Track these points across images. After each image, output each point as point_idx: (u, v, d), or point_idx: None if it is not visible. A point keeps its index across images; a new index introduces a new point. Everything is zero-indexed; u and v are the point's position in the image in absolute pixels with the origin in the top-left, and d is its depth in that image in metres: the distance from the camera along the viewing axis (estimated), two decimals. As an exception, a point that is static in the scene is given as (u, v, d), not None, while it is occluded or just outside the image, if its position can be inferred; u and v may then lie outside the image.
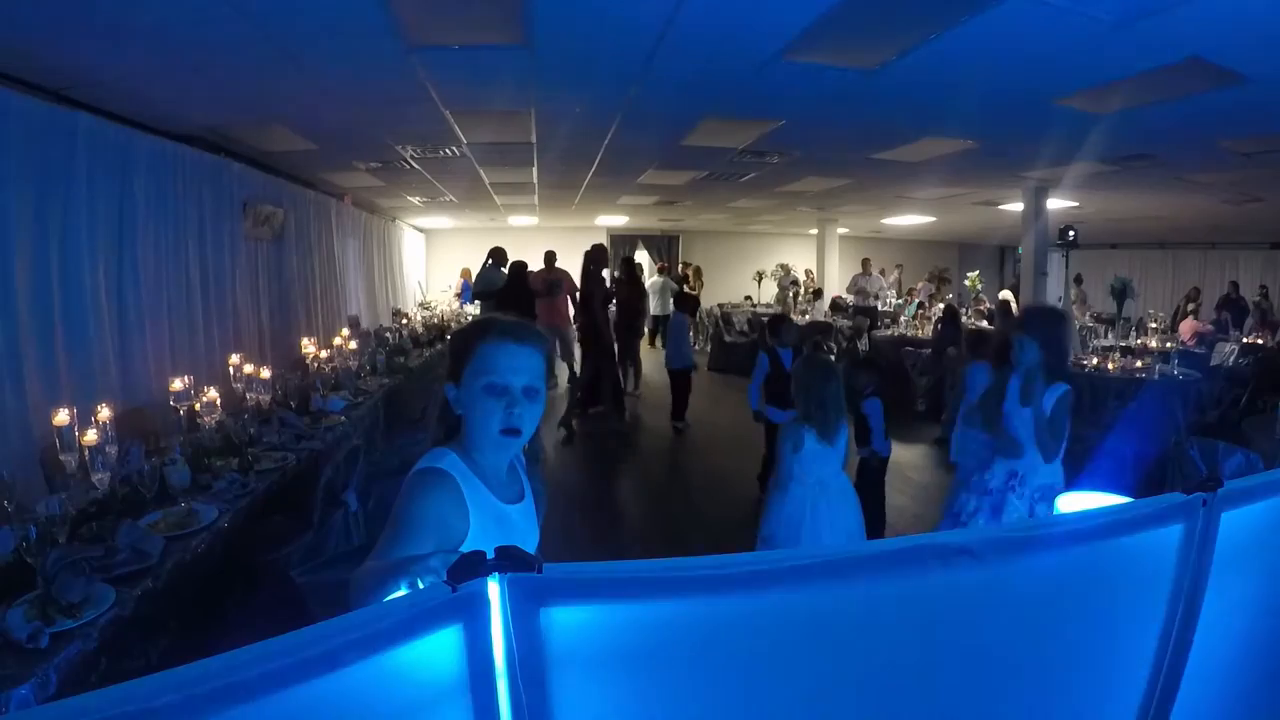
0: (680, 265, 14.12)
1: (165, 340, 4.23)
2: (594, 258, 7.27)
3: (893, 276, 12.39)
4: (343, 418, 4.13)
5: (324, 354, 5.34)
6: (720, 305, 12.40)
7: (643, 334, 9.05)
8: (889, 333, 9.56)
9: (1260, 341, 8.34)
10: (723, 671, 0.83)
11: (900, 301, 11.49)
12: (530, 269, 7.88)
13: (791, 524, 2.76)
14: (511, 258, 8.19)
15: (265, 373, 4.13)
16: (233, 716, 0.60)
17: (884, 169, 6.39)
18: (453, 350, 1.27)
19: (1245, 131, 4.56)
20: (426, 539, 1.10)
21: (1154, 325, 8.20)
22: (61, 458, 2.48)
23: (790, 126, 4.85)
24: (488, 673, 0.73)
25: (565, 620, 0.74)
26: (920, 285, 12.43)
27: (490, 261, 8.15)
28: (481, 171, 6.85)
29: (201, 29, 2.86)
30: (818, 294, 11.83)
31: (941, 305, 9.83)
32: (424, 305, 10.91)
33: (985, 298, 11.19)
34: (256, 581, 2.70)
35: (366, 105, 4.23)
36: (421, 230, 13.44)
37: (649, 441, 6.73)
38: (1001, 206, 8.74)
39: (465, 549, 1.12)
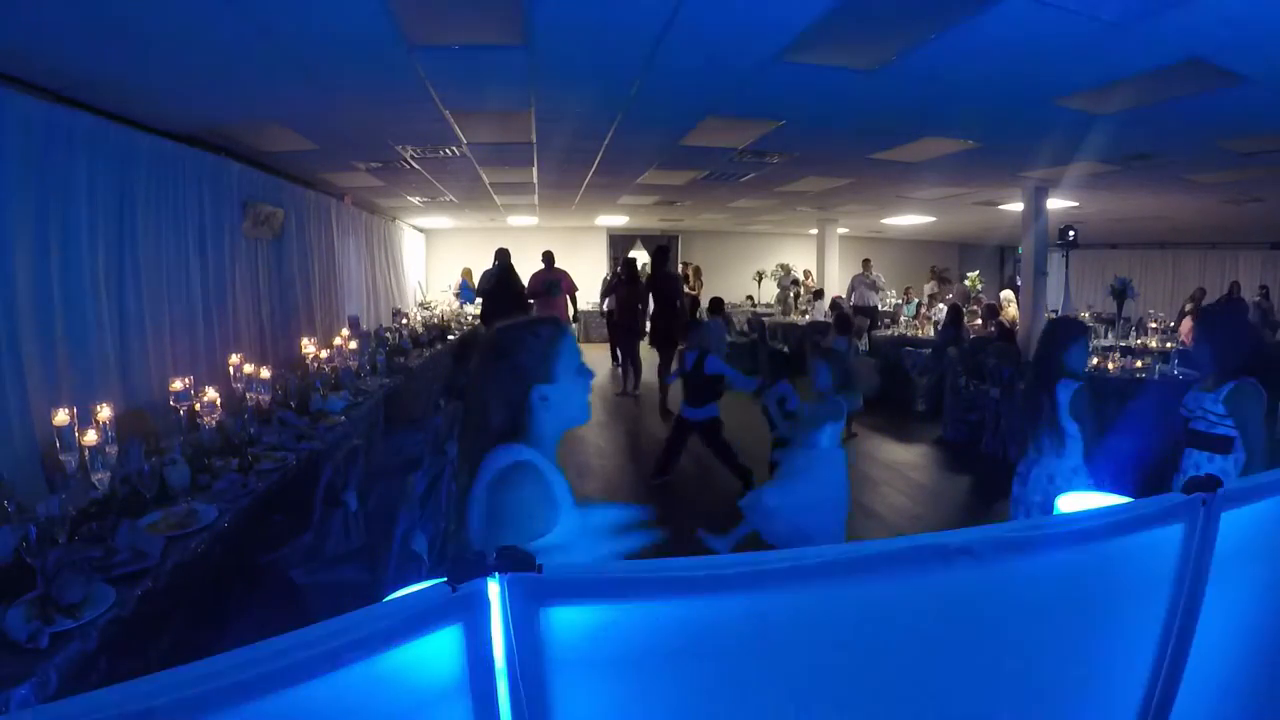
0: (680, 265, 14.10)
1: (165, 340, 4.22)
2: (660, 258, 7.34)
3: (931, 283, 12.51)
4: (343, 418, 4.13)
5: (324, 354, 5.34)
6: (720, 305, 12.38)
7: (643, 334, 9.03)
8: (889, 332, 9.55)
9: (1261, 341, 8.31)
10: (722, 671, 0.83)
11: (900, 301, 11.49)
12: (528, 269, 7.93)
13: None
14: (512, 258, 8.22)
15: (265, 373, 4.13)
16: (233, 716, 0.60)
17: (884, 169, 6.38)
18: (540, 354, 1.39)
19: (1245, 131, 4.55)
20: (534, 526, 1.23)
21: (1154, 325, 8.19)
22: (61, 458, 2.48)
23: (790, 126, 4.85)
24: (488, 673, 0.73)
25: (565, 620, 0.74)
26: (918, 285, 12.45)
27: (497, 263, 8.19)
28: (481, 171, 6.85)
29: (202, 29, 2.86)
30: (818, 294, 11.83)
31: (942, 306, 9.82)
32: (424, 305, 10.90)
33: (985, 297, 11.19)
34: (256, 581, 2.70)
35: (366, 105, 4.23)
36: (421, 230, 13.42)
37: (650, 443, 6.73)
38: (1001, 206, 8.73)
39: (558, 532, 1.27)
